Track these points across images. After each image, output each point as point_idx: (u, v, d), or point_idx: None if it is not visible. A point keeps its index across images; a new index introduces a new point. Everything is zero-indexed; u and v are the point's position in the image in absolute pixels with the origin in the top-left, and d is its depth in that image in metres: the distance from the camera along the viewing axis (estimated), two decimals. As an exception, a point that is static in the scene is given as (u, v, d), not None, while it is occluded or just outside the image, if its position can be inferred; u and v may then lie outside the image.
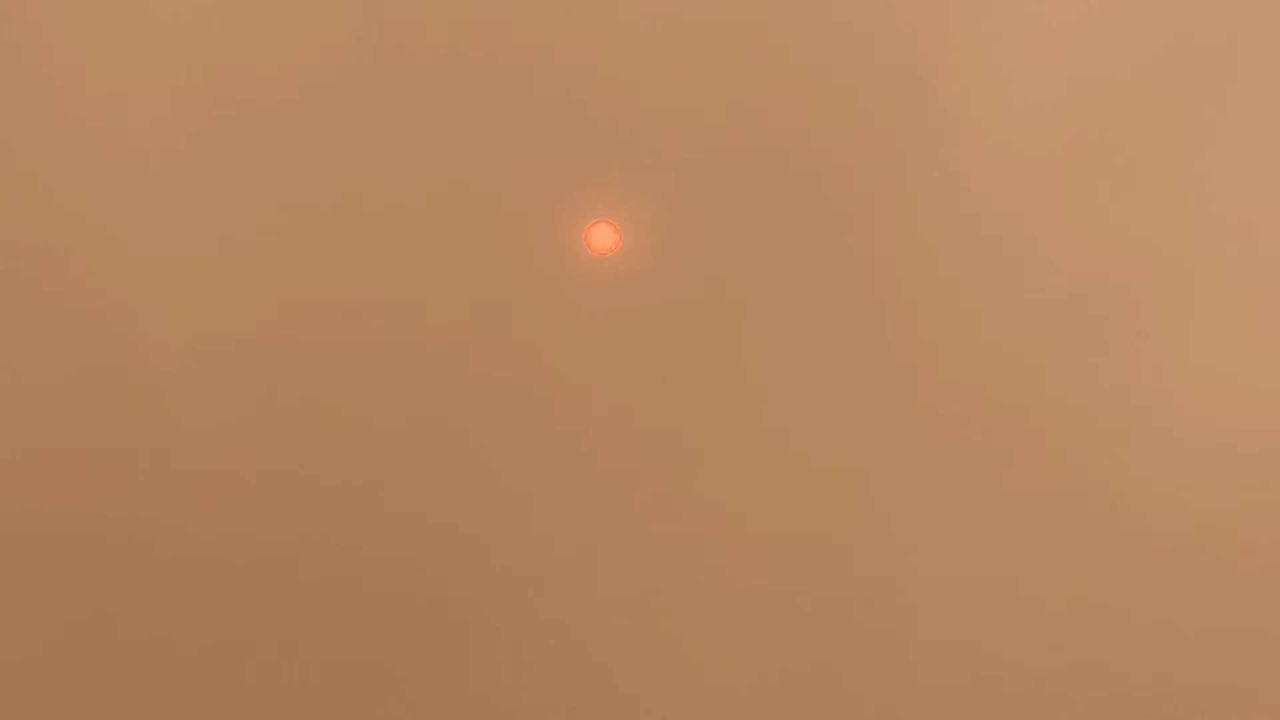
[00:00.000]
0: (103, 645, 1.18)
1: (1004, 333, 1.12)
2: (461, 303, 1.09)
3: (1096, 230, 1.10)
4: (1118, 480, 1.17)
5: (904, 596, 1.19)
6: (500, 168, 1.06)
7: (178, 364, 1.11)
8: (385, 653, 1.20)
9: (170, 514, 1.15)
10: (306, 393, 1.12)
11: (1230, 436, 1.15)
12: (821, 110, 1.06)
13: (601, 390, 1.12)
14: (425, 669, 1.20)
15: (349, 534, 1.16)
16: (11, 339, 1.09)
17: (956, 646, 1.20)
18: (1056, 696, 1.21)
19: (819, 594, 1.19)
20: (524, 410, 1.13)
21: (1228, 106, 1.08)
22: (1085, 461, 1.16)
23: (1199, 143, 1.08)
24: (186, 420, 1.12)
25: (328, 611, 1.18)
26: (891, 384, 1.13)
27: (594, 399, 1.12)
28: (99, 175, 1.06)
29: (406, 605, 1.19)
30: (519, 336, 1.10)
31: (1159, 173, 1.09)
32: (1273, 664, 1.19)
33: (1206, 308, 1.12)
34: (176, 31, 1.04)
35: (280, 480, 1.14)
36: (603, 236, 1.07)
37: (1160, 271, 1.11)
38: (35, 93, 1.04)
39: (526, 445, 1.14)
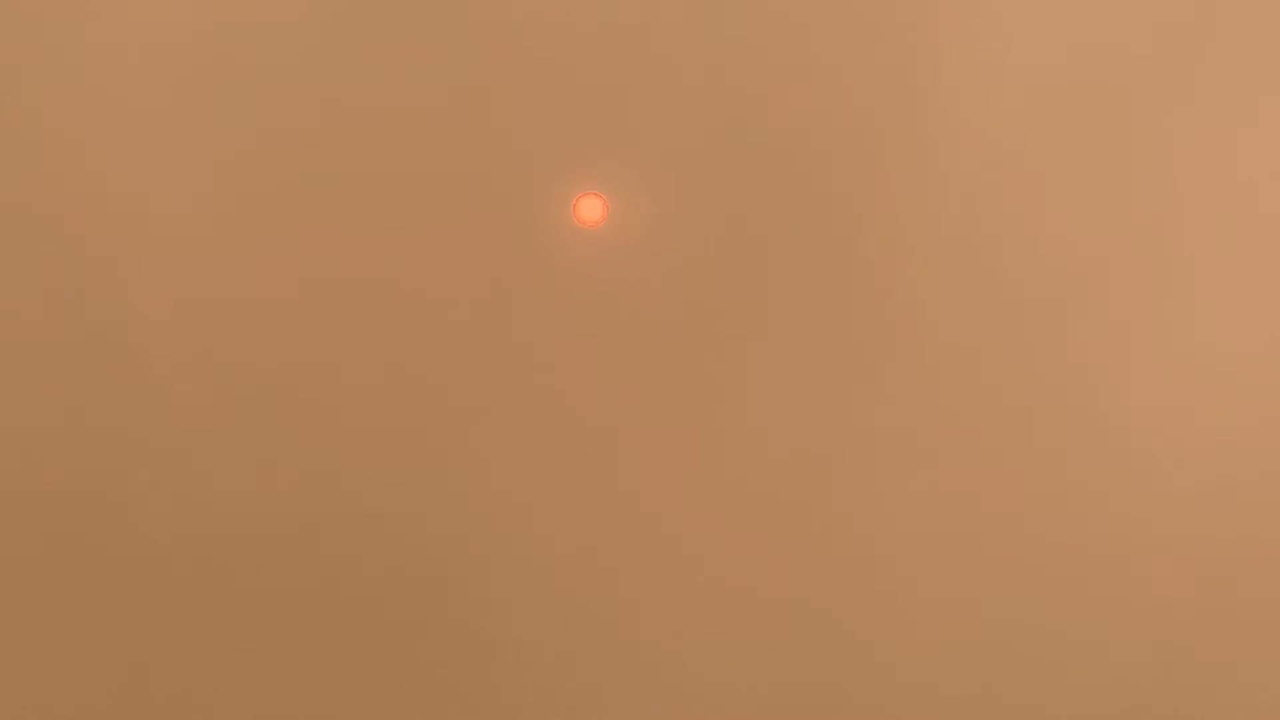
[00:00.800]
0: (97, 630, 1.18)
1: (1000, 327, 1.12)
2: (450, 276, 1.10)
3: (1087, 219, 1.11)
4: (1115, 480, 1.16)
5: (900, 597, 1.18)
6: (489, 141, 1.07)
7: (172, 352, 1.11)
8: (382, 652, 1.19)
9: (162, 500, 1.15)
10: (296, 372, 1.13)
11: (1229, 436, 1.15)
12: (811, 88, 1.08)
13: (589, 362, 1.13)
14: (423, 671, 1.19)
15: (342, 523, 1.16)
16: (7, 327, 1.11)
17: (951, 647, 1.19)
18: (1052, 697, 1.19)
19: (817, 593, 1.18)
20: (511, 383, 1.13)
21: (1219, 94, 1.09)
22: (1081, 461, 1.16)
23: (1193, 133, 1.09)
24: (181, 404, 1.13)
25: (322, 606, 1.18)
26: (888, 364, 1.13)
27: (582, 371, 1.13)
28: (96, 156, 1.08)
29: (403, 604, 1.18)
30: (506, 309, 1.11)
31: (1151, 161, 1.10)
32: (1273, 664, 1.18)
33: (1200, 296, 1.12)
34: (171, 6, 1.06)
35: (271, 463, 1.14)
36: (590, 209, 1.08)
37: (1154, 263, 1.11)
38: (29, 65, 1.06)
39: (518, 419, 1.14)
